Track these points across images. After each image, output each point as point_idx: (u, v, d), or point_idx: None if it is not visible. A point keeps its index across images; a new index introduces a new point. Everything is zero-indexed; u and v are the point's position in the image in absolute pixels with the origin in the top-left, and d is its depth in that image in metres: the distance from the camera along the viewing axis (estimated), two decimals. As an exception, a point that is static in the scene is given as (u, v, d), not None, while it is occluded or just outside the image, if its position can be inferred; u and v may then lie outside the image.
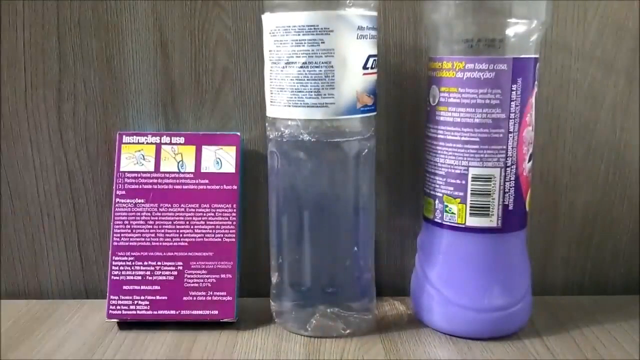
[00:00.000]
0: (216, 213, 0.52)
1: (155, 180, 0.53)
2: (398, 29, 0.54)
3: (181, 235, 0.52)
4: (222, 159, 0.53)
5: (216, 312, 0.51)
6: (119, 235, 0.52)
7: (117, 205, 0.52)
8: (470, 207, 0.47)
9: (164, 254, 0.52)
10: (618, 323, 0.52)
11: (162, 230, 0.52)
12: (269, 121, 0.49)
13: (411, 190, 0.56)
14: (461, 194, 0.47)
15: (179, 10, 0.54)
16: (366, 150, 0.49)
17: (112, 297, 0.51)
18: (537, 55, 0.47)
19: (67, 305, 0.56)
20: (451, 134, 0.47)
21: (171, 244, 0.52)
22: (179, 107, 0.55)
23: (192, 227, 0.52)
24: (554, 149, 0.56)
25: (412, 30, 0.54)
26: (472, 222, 0.47)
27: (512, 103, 0.46)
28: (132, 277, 0.51)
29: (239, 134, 0.54)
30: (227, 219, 0.52)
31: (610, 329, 0.51)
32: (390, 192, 0.56)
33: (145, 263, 0.52)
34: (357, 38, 0.45)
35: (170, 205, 0.52)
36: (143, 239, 0.52)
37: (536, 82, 0.47)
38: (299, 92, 0.46)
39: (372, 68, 0.47)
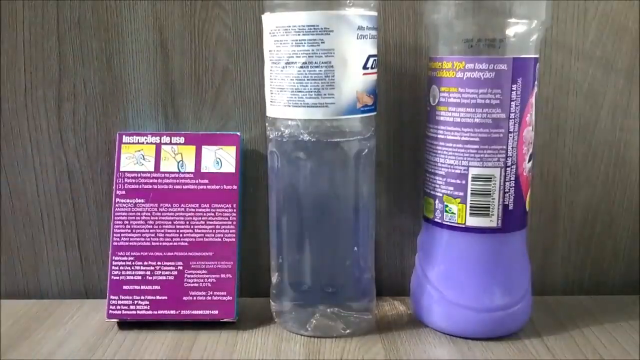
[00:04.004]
0: (216, 213, 0.52)
1: (155, 180, 0.53)
2: (398, 29, 0.54)
3: (181, 235, 0.52)
4: (222, 159, 0.53)
5: (216, 312, 0.51)
6: (119, 235, 0.52)
7: (117, 205, 0.52)
8: (470, 207, 0.47)
9: (164, 254, 0.52)
10: (618, 323, 0.52)
11: (162, 230, 0.52)
12: (269, 121, 0.49)
13: (411, 190, 0.56)
14: (461, 194, 0.47)
15: (179, 10, 0.54)
16: (366, 150, 0.49)
17: (112, 297, 0.51)
18: (537, 55, 0.47)
19: (67, 305, 0.56)
20: (451, 134, 0.47)
21: (171, 244, 0.52)
22: (179, 107, 0.55)
23: (192, 227, 0.52)
24: (554, 149, 0.56)
25: (412, 30, 0.54)
26: (472, 222, 0.47)
27: (512, 103, 0.46)
28: (132, 277, 0.51)
29: (239, 134, 0.54)
30: (227, 219, 0.52)
31: (610, 329, 0.51)
32: (390, 192, 0.56)
33: (145, 263, 0.52)
34: (357, 38, 0.45)
35: (170, 205, 0.52)
36: (143, 239, 0.52)
37: (536, 82, 0.47)
38: (299, 92, 0.46)
39: (372, 68, 0.47)
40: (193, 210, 0.52)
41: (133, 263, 0.52)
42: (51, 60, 0.54)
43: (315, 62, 0.45)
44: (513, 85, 0.45)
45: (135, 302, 0.51)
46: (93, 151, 0.56)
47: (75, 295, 0.58)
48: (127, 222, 0.52)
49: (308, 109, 0.46)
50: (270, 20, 0.46)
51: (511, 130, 0.46)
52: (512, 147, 0.46)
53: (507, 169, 0.47)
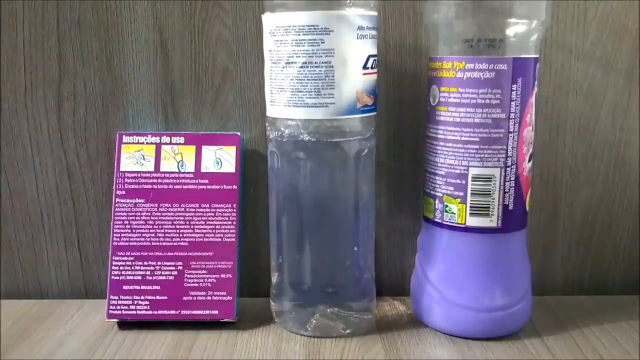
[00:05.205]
0: (216, 213, 0.52)
1: (155, 180, 0.53)
2: (398, 29, 0.54)
3: (181, 235, 0.52)
4: (222, 159, 0.53)
5: (216, 312, 0.51)
6: (119, 235, 0.52)
7: (117, 205, 0.52)
8: (470, 207, 0.47)
9: (164, 254, 0.52)
10: (618, 323, 0.52)
11: (162, 230, 0.52)
12: (269, 121, 0.49)
13: (411, 190, 0.56)
14: (461, 194, 0.47)
15: (179, 10, 0.54)
16: (366, 150, 0.49)
17: (112, 297, 0.51)
18: (537, 55, 0.47)
19: (67, 305, 0.56)
20: (451, 134, 0.47)
21: (171, 244, 0.52)
22: (179, 107, 0.55)
23: (192, 227, 0.52)
24: (554, 149, 0.56)
25: (412, 30, 0.54)
26: (472, 222, 0.47)
27: (512, 103, 0.46)
28: (132, 277, 0.51)
29: (239, 134, 0.54)
30: (227, 219, 0.52)
31: (610, 329, 0.51)
32: (390, 192, 0.56)
33: (145, 263, 0.52)
34: (357, 38, 0.45)
35: (170, 205, 0.52)
36: (143, 239, 0.52)
37: (536, 82, 0.47)
38: (299, 92, 0.46)
39: (372, 68, 0.47)
40: (193, 210, 0.52)
41: (133, 263, 0.52)
42: (51, 60, 0.54)
43: (315, 62, 0.45)
44: (513, 85, 0.45)
45: (135, 302, 0.51)
46: (93, 151, 0.56)
47: (75, 295, 0.58)
48: (127, 222, 0.52)
49: (308, 109, 0.46)
50: (270, 20, 0.46)
51: (511, 130, 0.46)
52: (512, 147, 0.46)
53: (507, 169, 0.47)
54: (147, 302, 0.51)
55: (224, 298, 0.51)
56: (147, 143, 0.53)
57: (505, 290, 0.48)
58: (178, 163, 0.53)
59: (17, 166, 0.56)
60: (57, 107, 0.55)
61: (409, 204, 0.56)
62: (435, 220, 0.49)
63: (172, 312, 0.51)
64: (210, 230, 0.52)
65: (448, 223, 0.48)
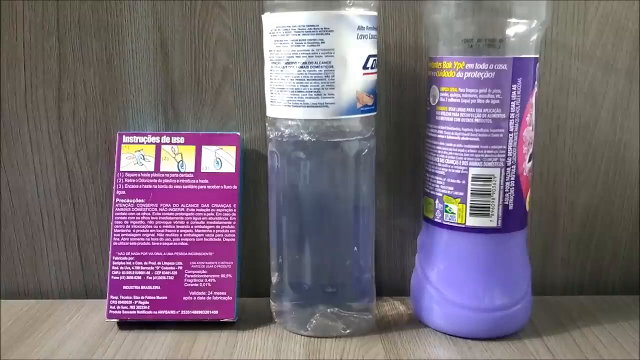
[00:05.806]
0: (216, 213, 0.52)
1: (155, 180, 0.53)
2: (398, 29, 0.54)
3: (181, 235, 0.52)
4: (222, 158, 0.53)
5: (216, 312, 0.51)
6: (119, 235, 0.52)
7: (117, 205, 0.52)
8: (470, 207, 0.47)
9: (164, 254, 0.52)
10: (618, 323, 0.52)
11: (162, 230, 0.52)
12: (269, 121, 0.49)
13: (411, 190, 0.56)
14: (461, 194, 0.47)
15: (179, 10, 0.54)
16: (366, 150, 0.49)
17: (112, 297, 0.51)
18: (537, 55, 0.47)
19: (67, 305, 0.56)
20: (451, 133, 0.47)
21: (171, 244, 0.52)
22: (179, 107, 0.55)
23: (192, 227, 0.52)
24: (554, 149, 0.56)
25: (412, 30, 0.54)
26: (472, 222, 0.47)
27: (512, 103, 0.46)
28: (132, 277, 0.51)
29: (239, 134, 0.54)
30: (227, 219, 0.52)
31: (610, 329, 0.51)
32: (390, 192, 0.56)
33: (145, 263, 0.52)
34: (357, 38, 0.45)
35: (170, 205, 0.52)
36: (143, 239, 0.52)
37: (536, 82, 0.47)
38: (299, 92, 0.46)
39: (372, 68, 0.47)
40: (193, 210, 0.52)
41: (133, 263, 0.52)
42: (51, 60, 0.54)
43: (315, 62, 0.45)
44: (513, 85, 0.45)
45: (135, 302, 0.51)
46: (93, 151, 0.56)
47: (75, 295, 0.58)
48: (127, 222, 0.52)
49: (308, 109, 0.46)
50: (270, 20, 0.46)
51: (511, 130, 0.46)
52: (512, 147, 0.46)
53: (507, 169, 0.47)
54: (147, 302, 0.51)
55: (224, 298, 0.51)
56: (147, 143, 0.53)
57: (505, 290, 0.48)
58: (178, 163, 0.53)
59: (17, 166, 0.56)
60: (57, 107, 0.55)
61: (409, 204, 0.56)
62: (435, 220, 0.49)
63: (172, 312, 0.51)
64: (210, 230, 0.52)
65: (448, 223, 0.48)
